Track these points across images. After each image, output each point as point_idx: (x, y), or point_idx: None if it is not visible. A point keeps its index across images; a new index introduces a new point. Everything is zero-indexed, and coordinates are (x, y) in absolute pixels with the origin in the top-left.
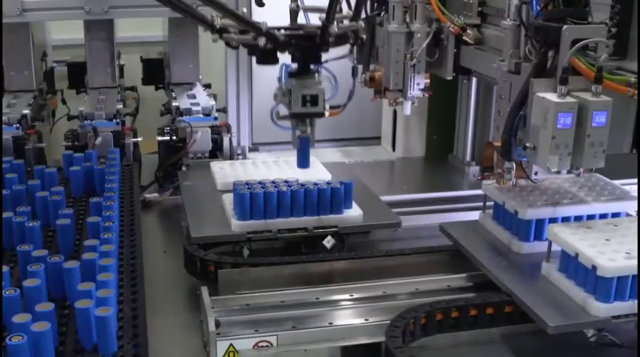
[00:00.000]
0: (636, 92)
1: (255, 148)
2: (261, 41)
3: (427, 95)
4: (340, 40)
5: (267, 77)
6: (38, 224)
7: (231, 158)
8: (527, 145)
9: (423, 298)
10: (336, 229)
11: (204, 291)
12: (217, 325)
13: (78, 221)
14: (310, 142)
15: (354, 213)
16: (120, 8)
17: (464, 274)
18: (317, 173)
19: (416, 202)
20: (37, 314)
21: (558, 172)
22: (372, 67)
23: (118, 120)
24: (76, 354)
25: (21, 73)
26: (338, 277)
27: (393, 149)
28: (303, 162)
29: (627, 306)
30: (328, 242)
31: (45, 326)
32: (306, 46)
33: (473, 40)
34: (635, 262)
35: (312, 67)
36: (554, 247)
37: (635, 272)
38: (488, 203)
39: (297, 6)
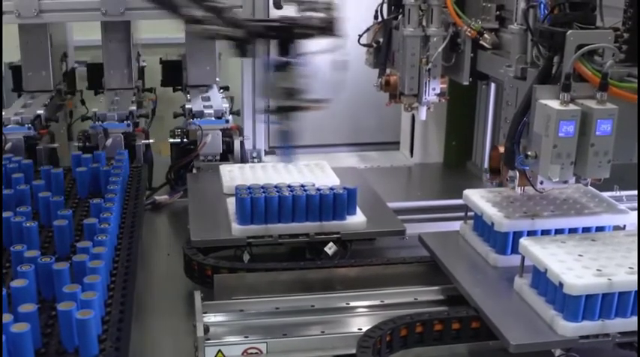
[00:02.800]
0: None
1: (272, 151)
2: (234, 32)
3: (443, 100)
4: (316, 31)
5: None
6: (35, 224)
7: (242, 161)
8: (529, 153)
9: (420, 309)
10: (338, 236)
11: (197, 295)
12: (206, 330)
13: (80, 222)
14: (292, 136)
15: (357, 219)
16: (136, 10)
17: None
18: (326, 178)
19: (426, 210)
20: (20, 315)
21: (565, 182)
22: (388, 71)
23: (129, 121)
24: (58, 356)
25: (38, 74)
26: (336, 285)
27: (411, 155)
28: (287, 156)
29: (596, 326)
30: (330, 249)
31: (24, 327)
32: (279, 37)
33: (490, 44)
34: (605, 280)
35: (293, 60)
36: (530, 262)
37: (606, 290)
38: (470, 213)
39: None
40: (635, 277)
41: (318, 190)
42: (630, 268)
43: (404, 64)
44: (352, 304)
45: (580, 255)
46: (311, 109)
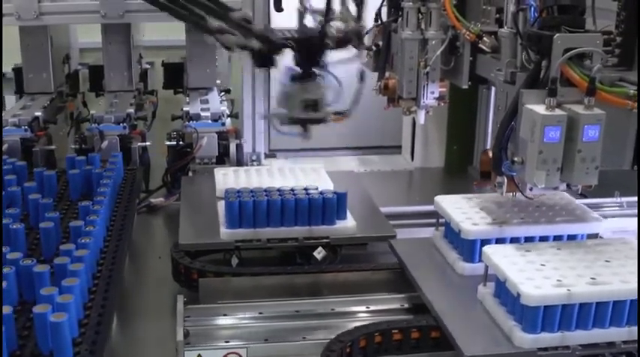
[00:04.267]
0: (636, 105)
1: (272, 154)
2: (255, 43)
3: (443, 104)
4: (342, 43)
5: None
6: (22, 226)
7: (239, 164)
8: (515, 159)
9: (407, 316)
10: (327, 240)
11: (180, 299)
12: (186, 334)
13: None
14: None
15: (346, 224)
16: (136, 12)
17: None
18: (320, 182)
19: (422, 214)
20: None
21: (556, 188)
22: (387, 74)
23: (125, 124)
24: None
25: (39, 76)
26: (323, 290)
27: (412, 159)
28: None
29: (556, 338)
30: (319, 253)
31: None
32: (303, 48)
33: (489, 47)
34: (564, 290)
35: (315, 71)
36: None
37: (565, 302)
38: (442, 220)
39: (305, 8)
40: (596, 288)
41: (308, 194)
42: (592, 278)
43: (402, 68)
44: (337, 309)
45: (542, 264)
46: (332, 120)
